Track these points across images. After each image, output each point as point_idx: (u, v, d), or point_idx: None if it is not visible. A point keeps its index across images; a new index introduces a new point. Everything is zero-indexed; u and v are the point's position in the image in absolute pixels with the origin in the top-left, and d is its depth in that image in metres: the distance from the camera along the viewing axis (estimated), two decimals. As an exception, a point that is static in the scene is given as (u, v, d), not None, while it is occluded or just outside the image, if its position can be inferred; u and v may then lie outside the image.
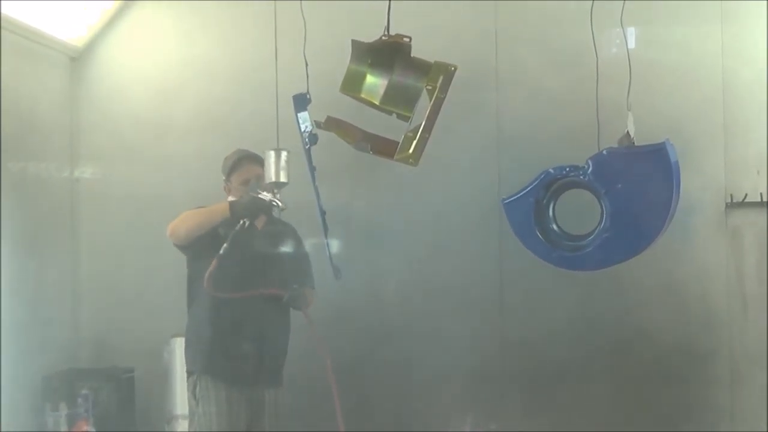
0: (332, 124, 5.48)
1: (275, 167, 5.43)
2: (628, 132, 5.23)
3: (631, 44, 6.04)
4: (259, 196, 5.46)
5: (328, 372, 5.64)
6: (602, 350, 6.76)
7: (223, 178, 5.81)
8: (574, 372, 6.79)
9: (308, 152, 5.42)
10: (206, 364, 5.62)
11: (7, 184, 6.33)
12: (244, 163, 5.75)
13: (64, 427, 6.63)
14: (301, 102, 5.45)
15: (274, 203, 5.48)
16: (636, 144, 5.20)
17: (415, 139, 5.10)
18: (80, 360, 7.17)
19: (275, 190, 5.46)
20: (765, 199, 6.50)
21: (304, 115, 5.47)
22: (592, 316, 6.76)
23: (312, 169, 5.45)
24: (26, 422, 6.65)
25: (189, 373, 5.70)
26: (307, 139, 5.42)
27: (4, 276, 6.29)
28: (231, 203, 5.54)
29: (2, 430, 6.26)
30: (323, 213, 5.58)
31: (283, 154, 5.45)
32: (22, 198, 6.57)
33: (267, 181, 5.46)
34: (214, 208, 5.59)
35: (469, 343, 6.89)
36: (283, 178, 5.43)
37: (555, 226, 5.29)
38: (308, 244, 5.97)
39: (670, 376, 6.71)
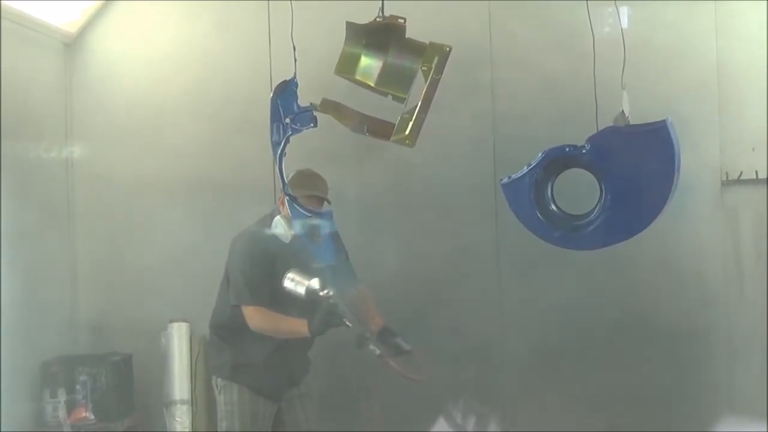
0: (328, 106, 5.47)
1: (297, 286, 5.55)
2: (623, 111, 5.24)
3: (625, 23, 6.06)
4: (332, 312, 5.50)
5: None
6: (599, 330, 6.79)
7: (288, 191, 5.54)
8: (572, 352, 6.82)
9: (275, 142, 5.41)
10: (232, 372, 5.90)
11: (3, 169, 6.31)
12: (314, 200, 5.79)
13: (62, 414, 6.63)
14: (284, 89, 5.45)
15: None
16: (631, 122, 5.21)
17: (411, 120, 5.10)
18: (78, 346, 7.17)
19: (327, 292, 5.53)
20: (760, 177, 6.52)
21: (289, 100, 5.47)
22: (589, 296, 6.79)
23: (281, 156, 5.43)
24: (25, 409, 6.64)
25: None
26: (291, 123, 5.43)
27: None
28: (309, 323, 5.56)
29: (1, 416, 6.27)
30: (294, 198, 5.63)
31: (288, 276, 5.55)
32: (18, 183, 6.54)
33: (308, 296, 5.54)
34: (295, 326, 5.64)
35: (467, 323, 6.90)
36: (318, 284, 5.50)
37: (554, 206, 5.29)
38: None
39: (667, 355, 6.72)
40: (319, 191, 5.85)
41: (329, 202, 5.87)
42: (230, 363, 5.90)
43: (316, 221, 5.45)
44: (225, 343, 5.95)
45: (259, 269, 5.76)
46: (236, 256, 5.87)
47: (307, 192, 5.75)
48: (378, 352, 5.56)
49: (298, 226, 5.56)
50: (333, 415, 6.69)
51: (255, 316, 5.71)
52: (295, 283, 5.55)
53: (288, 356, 5.90)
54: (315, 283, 5.51)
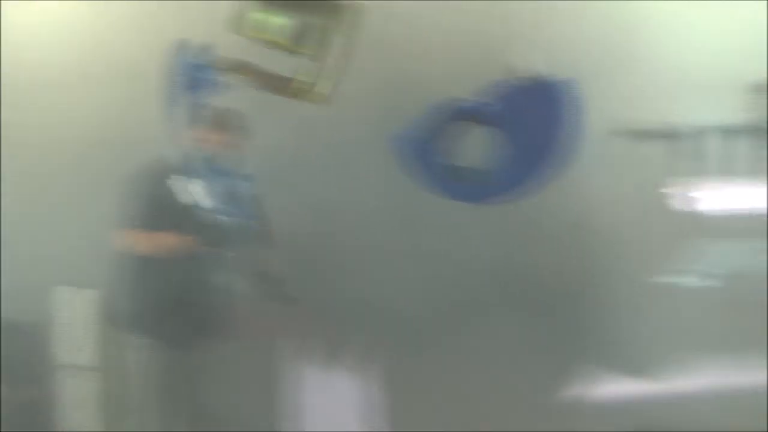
0: (233, 65, 5.40)
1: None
2: (527, 66, 5.23)
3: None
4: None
5: None
6: (513, 288, 6.86)
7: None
8: (487, 312, 6.86)
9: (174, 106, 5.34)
10: (142, 324, 5.98)
11: None
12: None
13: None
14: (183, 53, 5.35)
15: None
16: (536, 77, 5.21)
17: (325, 77, 5.10)
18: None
19: None
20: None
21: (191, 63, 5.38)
22: (504, 254, 6.86)
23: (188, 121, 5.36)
24: None
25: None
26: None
27: None
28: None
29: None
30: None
31: None
32: None
33: None
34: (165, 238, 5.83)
35: (381, 286, 6.89)
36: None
37: (450, 161, 5.28)
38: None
39: (584, 312, 6.87)
40: (233, 122, 5.92)
41: (246, 137, 5.93)
42: (138, 314, 5.96)
43: (235, 181, 5.46)
44: (131, 294, 5.98)
45: (147, 196, 5.86)
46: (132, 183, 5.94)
47: (221, 127, 5.82)
48: None
49: (216, 187, 5.55)
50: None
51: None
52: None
53: (192, 302, 5.93)
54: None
